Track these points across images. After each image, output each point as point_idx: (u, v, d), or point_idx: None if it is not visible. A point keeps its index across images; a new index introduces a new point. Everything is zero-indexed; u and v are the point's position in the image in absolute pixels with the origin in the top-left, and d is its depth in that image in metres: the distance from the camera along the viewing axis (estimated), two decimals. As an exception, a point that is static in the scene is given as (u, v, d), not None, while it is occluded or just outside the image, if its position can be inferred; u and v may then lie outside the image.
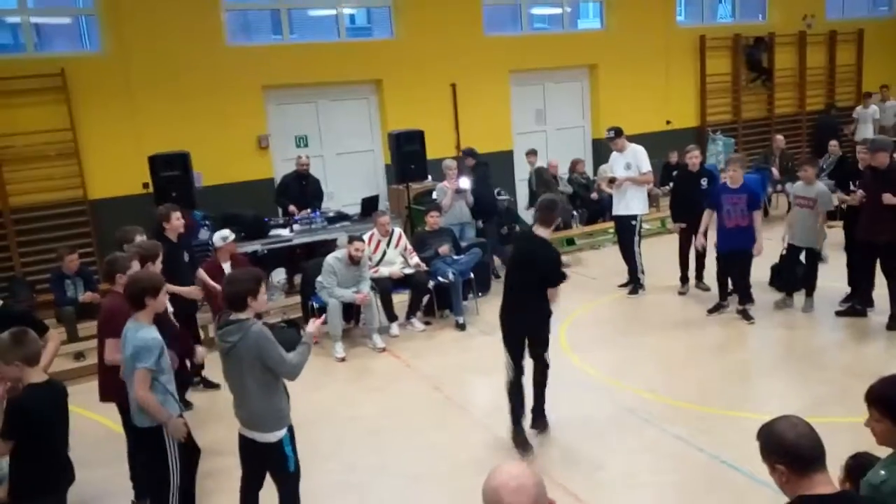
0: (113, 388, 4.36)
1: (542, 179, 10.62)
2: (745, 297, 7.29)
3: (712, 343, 6.96)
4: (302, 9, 11.56)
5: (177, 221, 6.27)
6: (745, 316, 7.20)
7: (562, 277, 5.00)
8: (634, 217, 8.24)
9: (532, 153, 11.09)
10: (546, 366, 5.22)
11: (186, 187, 8.20)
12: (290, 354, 3.80)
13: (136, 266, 4.47)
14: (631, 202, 8.23)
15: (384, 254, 7.80)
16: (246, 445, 3.92)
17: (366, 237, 7.69)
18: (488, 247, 8.90)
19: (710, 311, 7.49)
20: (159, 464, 4.00)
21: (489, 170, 9.67)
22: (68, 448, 3.69)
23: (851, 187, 7.11)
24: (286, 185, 9.54)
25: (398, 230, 8.04)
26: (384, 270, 7.67)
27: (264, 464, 3.95)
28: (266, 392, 3.76)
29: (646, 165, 8.21)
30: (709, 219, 7.36)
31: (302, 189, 9.46)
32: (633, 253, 8.32)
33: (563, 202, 10.47)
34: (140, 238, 5.74)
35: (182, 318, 5.70)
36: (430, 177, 10.06)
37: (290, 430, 3.89)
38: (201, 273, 6.78)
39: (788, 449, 2.22)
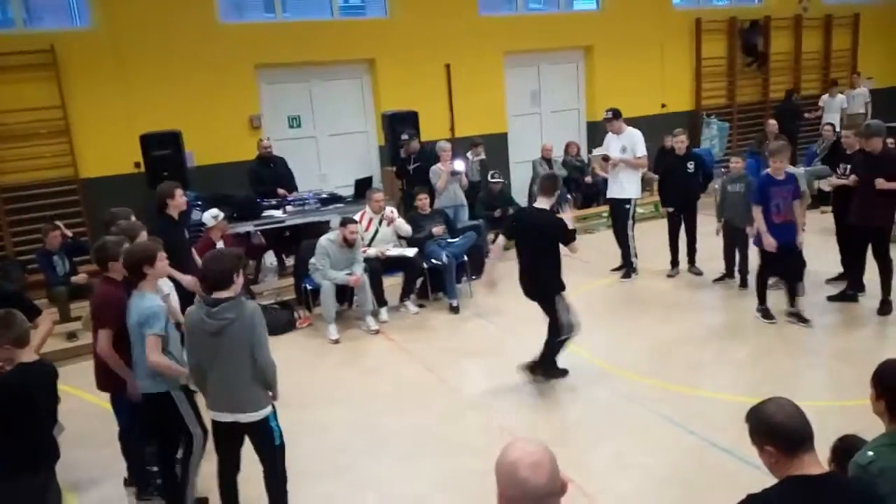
0: (107, 378, 4.37)
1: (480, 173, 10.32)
2: (794, 293, 6.70)
3: (704, 327, 6.99)
4: (295, -14, 11.41)
5: (181, 198, 6.20)
6: (801, 319, 6.67)
7: (572, 236, 5.60)
8: (628, 201, 8.24)
9: (477, 145, 10.60)
10: (553, 330, 5.63)
11: (178, 167, 8.16)
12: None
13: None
14: (625, 185, 8.22)
15: (376, 232, 7.78)
16: (225, 430, 3.89)
17: (357, 216, 7.67)
18: (482, 229, 8.90)
19: (766, 316, 6.81)
20: (176, 428, 4.07)
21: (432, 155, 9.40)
22: (54, 427, 3.69)
23: (839, 171, 7.12)
24: (256, 173, 9.27)
25: (390, 208, 7.99)
26: (372, 252, 7.63)
27: (242, 444, 3.95)
28: (256, 371, 3.76)
29: (641, 149, 8.20)
30: (760, 216, 6.58)
31: (272, 172, 9.29)
32: (626, 237, 8.34)
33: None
34: (132, 220, 5.69)
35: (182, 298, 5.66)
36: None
37: (273, 405, 3.91)
38: (173, 272, 6.63)
39: (776, 430, 2.26)
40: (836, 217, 7.45)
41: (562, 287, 5.65)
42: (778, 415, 2.28)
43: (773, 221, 6.52)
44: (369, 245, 7.70)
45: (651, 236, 9.22)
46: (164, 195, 6.15)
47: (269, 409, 3.85)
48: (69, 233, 7.67)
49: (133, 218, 5.57)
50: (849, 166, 6.99)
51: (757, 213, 6.63)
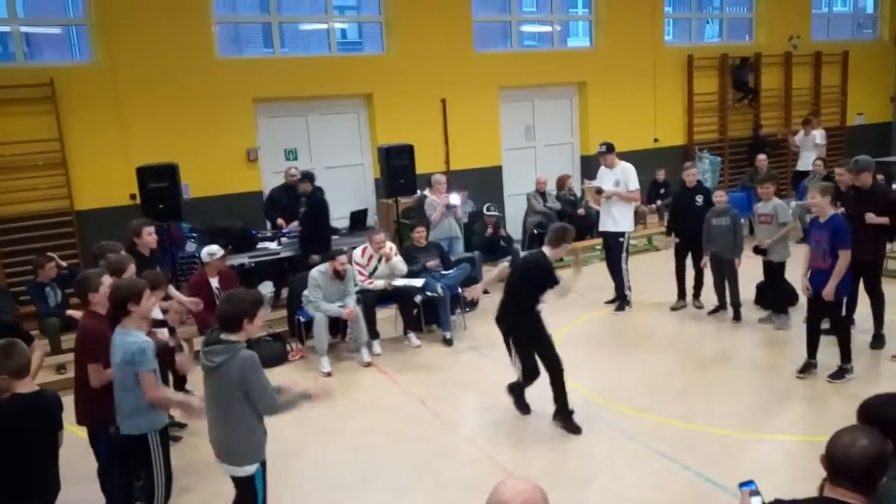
0: (89, 411, 4.33)
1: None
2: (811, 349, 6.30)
3: (698, 360, 6.99)
4: (293, 23, 11.62)
5: (148, 237, 6.17)
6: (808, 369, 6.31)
7: (552, 282, 5.55)
8: (622, 234, 8.28)
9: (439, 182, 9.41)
10: (551, 368, 5.55)
11: (174, 199, 8.17)
12: (276, 395, 3.65)
13: (107, 282, 4.33)
14: (618, 219, 8.27)
15: (375, 269, 7.75)
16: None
17: (359, 250, 7.68)
18: (476, 262, 8.92)
19: (800, 372, 6.30)
20: (145, 472, 4.01)
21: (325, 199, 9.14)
22: (55, 458, 3.65)
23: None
24: (275, 198, 9.51)
25: (390, 244, 7.93)
26: (380, 283, 7.60)
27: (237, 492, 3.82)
28: (243, 421, 3.60)
29: (634, 183, 8.26)
30: (806, 258, 6.24)
31: (290, 201, 9.41)
32: (620, 269, 8.36)
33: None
34: (122, 254, 5.70)
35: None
36: (419, 191, 10.08)
37: (263, 464, 3.76)
38: (172, 291, 6.64)
39: (833, 455, 2.31)
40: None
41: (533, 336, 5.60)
42: (843, 444, 2.29)
43: (810, 265, 6.16)
44: (370, 276, 7.67)
45: (645, 269, 9.26)
46: (130, 233, 6.11)
47: (253, 469, 3.68)
48: (64, 263, 7.66)
49: (122, 252, 5.57)
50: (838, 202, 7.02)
51: (805, 255, 6.27)
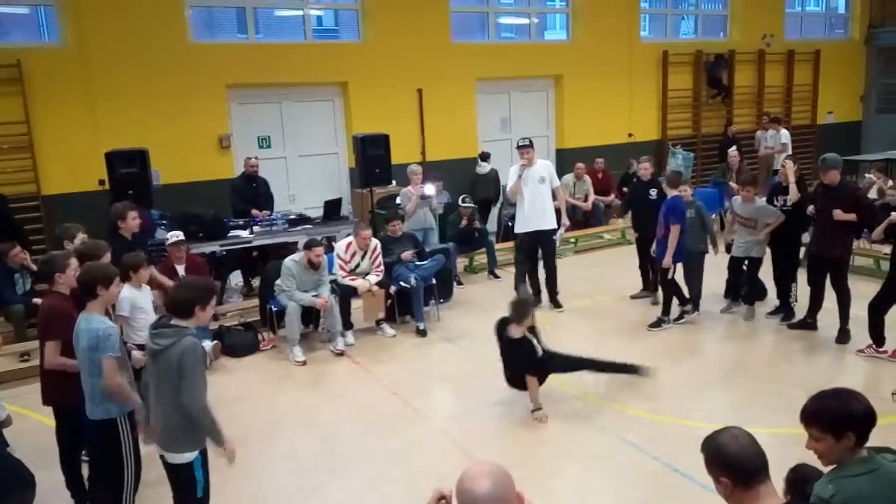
0: (54, 391, 4.25)
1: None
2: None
3: (666, 352, 7.05)
4: (268, 8, 11.46)
5: (133, 221, 6.19)
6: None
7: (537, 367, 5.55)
8: (555, 231, 8.20)
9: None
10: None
11: (144, 185, 8.03)
12: (204, 399, 3.50)
13: (74, 264, 4.28)
14: (552, 216, 8.10)
15: (357, 265, 7.65)
16: (162, 461, 3.70)
17: (342, 244, 7.58)
18: (451, 253, 8.91)
19: (651, 326, 7.63)
20: (113, 458, 3.92)
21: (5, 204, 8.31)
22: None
23: (774, 202, 7.30)
24: (238, 190, 9.31)
25: (375, 241, 7.74)
26: (361, 283, 7.49)
27: (176, 482, 3.69)
28: (181, 410, 3.48)
29: (556, 180, 8.33)
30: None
31: (253, 191, 9.30)
32: (554, 266, 8.33)
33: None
34: (82, 236, 5.60)
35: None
36: (394, 181, 10.04)
37: (203, 452, 3.63)
38: (154, 271, 6.57)
39: (731, 462, 2.24)
40: (772, 247, 7.52)
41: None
42: (732, 446, 2.25)
43: (658, 235, 7.50)
44: (352, 272, 7.57)
45: (615, 262, 9.33)
46: (115, 217, 6.13)
47: (192, 455, 3.56)
48: (34, 267, 7.41)
49: (80, 234, 5.49)
50: (786, 198, 7.20)
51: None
